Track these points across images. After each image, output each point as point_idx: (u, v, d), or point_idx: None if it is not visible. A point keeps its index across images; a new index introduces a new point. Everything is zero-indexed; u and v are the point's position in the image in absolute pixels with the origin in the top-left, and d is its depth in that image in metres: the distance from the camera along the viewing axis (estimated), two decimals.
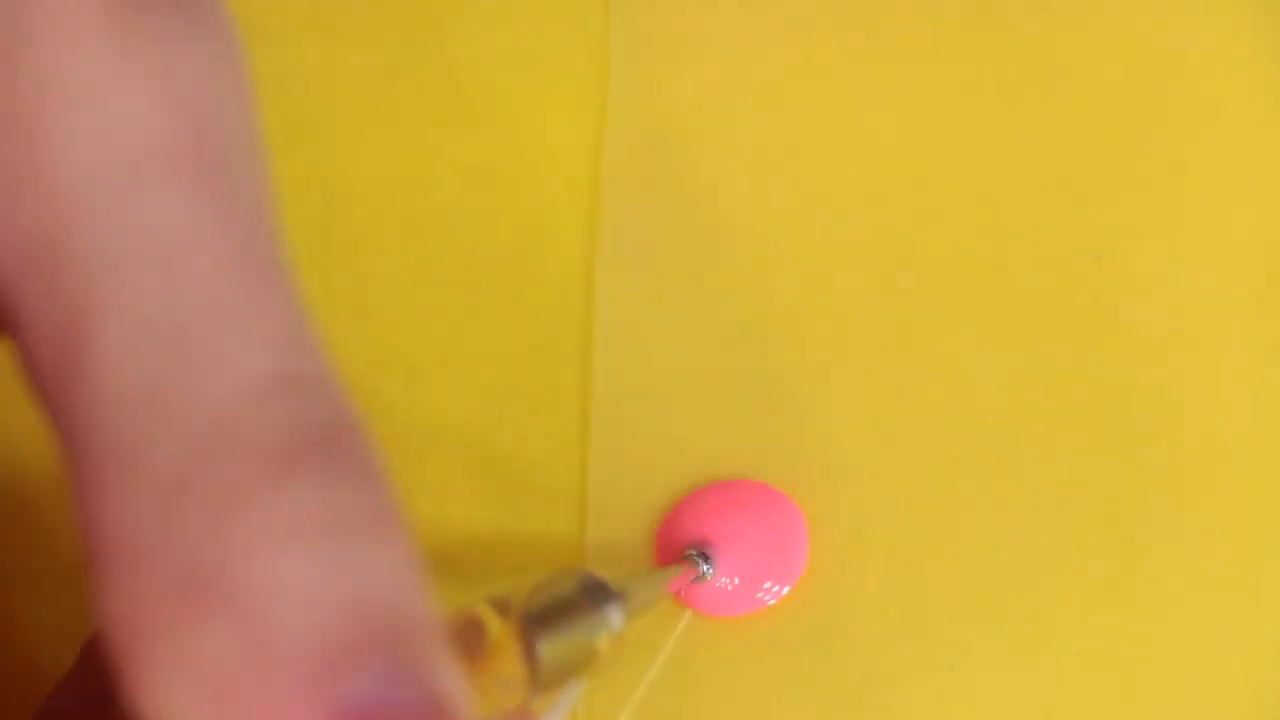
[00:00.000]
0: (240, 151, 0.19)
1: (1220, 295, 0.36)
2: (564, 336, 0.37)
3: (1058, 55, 0.38)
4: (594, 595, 0.27)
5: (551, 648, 0.25)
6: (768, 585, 0.35)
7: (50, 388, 0.18)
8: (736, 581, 0.35)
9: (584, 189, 0.38)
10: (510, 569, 0.35)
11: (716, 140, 0.39)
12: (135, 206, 0.18)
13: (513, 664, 0.25)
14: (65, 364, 0.18)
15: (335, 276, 0.38)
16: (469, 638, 0.24)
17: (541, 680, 0.25)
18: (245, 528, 0.17)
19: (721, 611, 0.35)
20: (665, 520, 0.36)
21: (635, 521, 0.36)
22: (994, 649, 0.35)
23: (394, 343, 0.37)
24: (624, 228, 0.38)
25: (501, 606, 0.25)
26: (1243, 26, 0.38)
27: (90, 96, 0.18)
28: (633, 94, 0.39)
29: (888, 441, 0.36)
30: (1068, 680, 0.34)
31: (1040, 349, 0.37)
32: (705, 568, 0.35)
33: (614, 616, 0.27)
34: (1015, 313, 0.37)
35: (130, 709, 0.17)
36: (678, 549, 0.35)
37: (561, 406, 0.37)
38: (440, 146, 0.38)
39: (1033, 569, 0.35)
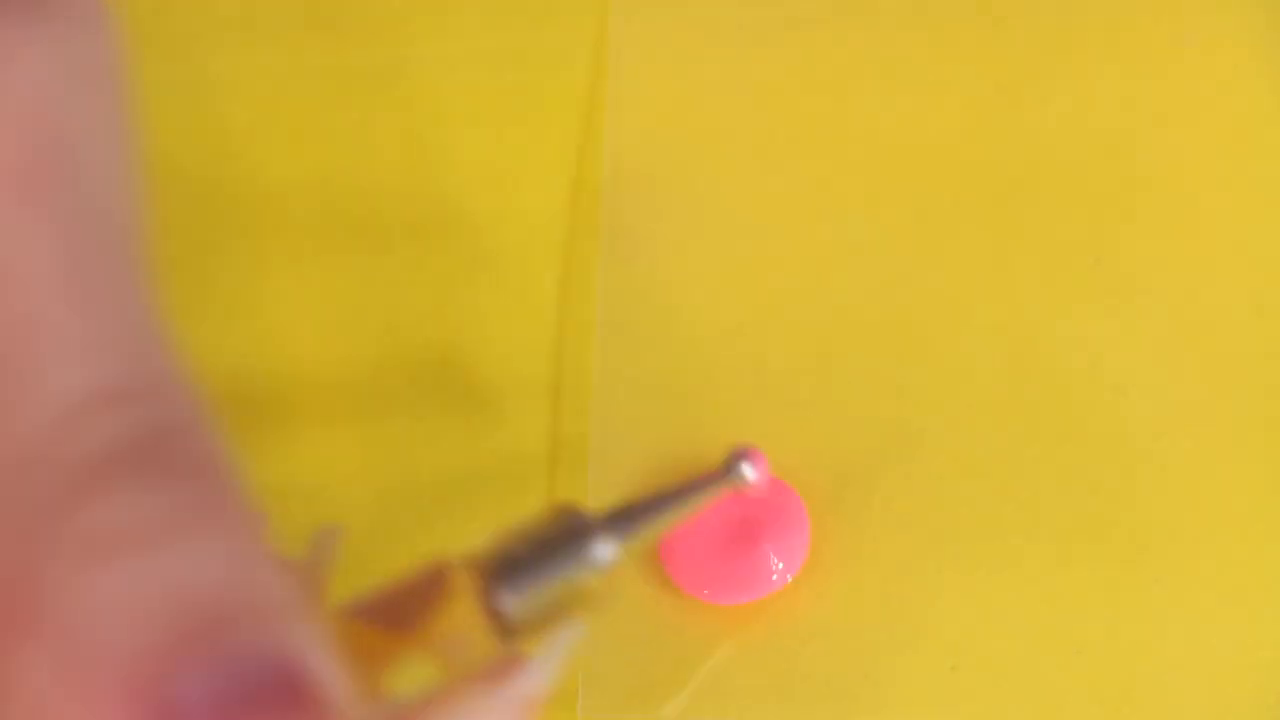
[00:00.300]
0: (90, 154, 0.18)
1: (1219, 298, 0.36)
2: (566, 335, 0.37)
3: (1058, 55, 0.39)
4: (571, 533, 0.26)
5: (518, 594, 0.25)
6: (770, 574, 0.35)
7: None
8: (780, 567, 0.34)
9: (584, 188, 0.38)
10: None
11: (716, 139, 0.39)
12: None
13: (471, 613, 0.24)
14: None
15: (334, 276, 0.38)
16: (429, 591, 0.24)
17: (519, 626, 0.25)
18: (57, 546, 0.17)
19: (722, 599, 0.35)
20: None
21: None
22: (994, 649, 0.35)
23: (393, 342, 0.37)
24: (624, 226, 0.38)
25: (471, 558, 0.25)
26: (1242, 27, 0.38)
27: None
28: (632, 94, 0.39)
29: (888, 440, 0.36)
30: (1068, 680, 0.34)
31: (1039, 348, 0.37)
32: (747, 469, 0.30)
33: (600, 552, 0.26)
34: (1014, 311, 0.37)
35: None
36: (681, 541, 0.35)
37: (563, 404, 0.37)
38: (440, 146, 0.38)
39: (1033, 569, 0.35)
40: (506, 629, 0.24)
